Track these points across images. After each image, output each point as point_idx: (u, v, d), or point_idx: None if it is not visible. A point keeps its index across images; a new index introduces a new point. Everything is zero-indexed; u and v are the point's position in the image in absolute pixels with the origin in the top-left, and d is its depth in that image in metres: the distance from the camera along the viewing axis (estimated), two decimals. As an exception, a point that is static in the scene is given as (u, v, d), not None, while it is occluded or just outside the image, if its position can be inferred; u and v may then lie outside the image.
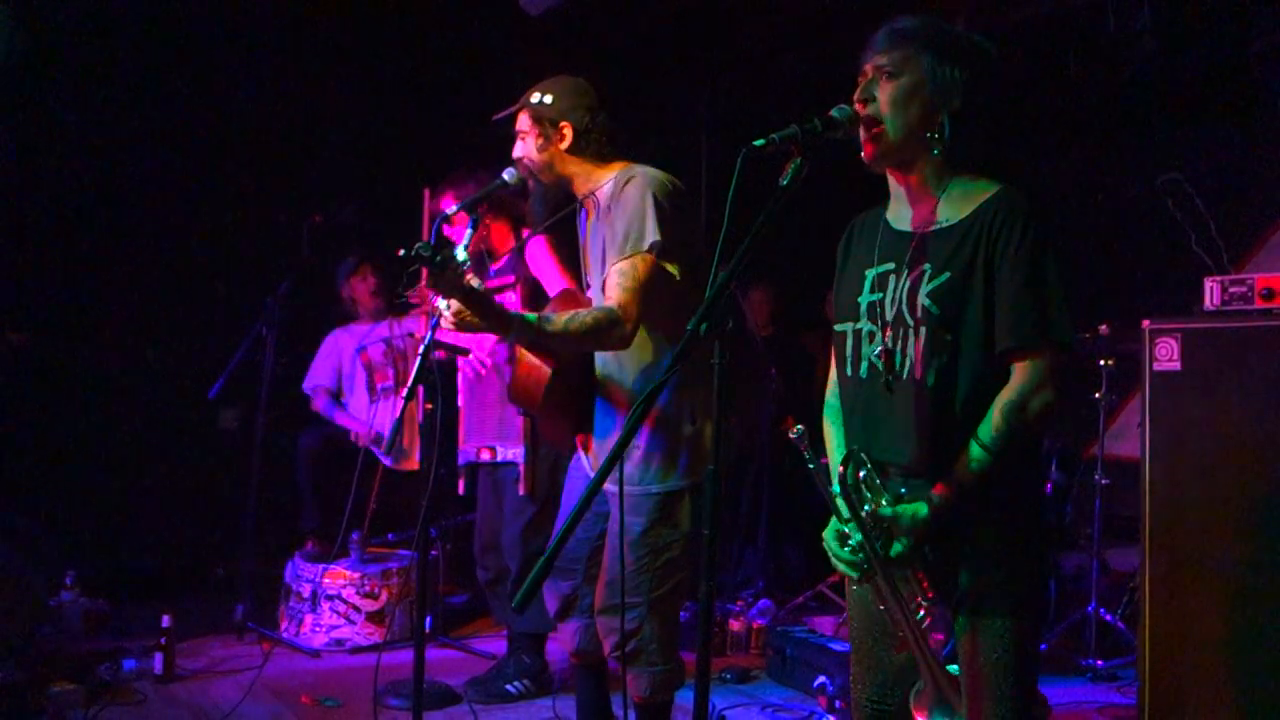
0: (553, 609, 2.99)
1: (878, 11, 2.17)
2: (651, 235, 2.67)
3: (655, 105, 6.31)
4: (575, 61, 5.74)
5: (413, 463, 4.85)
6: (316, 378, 5.33)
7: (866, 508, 1.95)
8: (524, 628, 4.01)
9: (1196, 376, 3.15)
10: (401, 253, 2.46)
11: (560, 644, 3.04)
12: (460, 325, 2.62)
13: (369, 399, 5.19)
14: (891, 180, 2.12)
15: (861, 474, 1.97)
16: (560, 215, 3.00)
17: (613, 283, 2.69)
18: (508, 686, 3.97)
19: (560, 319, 2.66)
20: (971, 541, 1.98)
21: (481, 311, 2.59)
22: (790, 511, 5.73)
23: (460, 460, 4.25)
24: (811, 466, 2.00)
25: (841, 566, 2.02)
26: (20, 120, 5.06)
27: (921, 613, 1.95)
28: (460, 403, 4.27)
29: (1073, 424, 5.02)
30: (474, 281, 2.59)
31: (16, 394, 5.15)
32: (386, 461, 4.86)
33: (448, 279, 2.50)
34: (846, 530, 1.98)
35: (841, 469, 1.97)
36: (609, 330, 2.65)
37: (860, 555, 1.96)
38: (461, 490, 4.32)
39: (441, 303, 2.59)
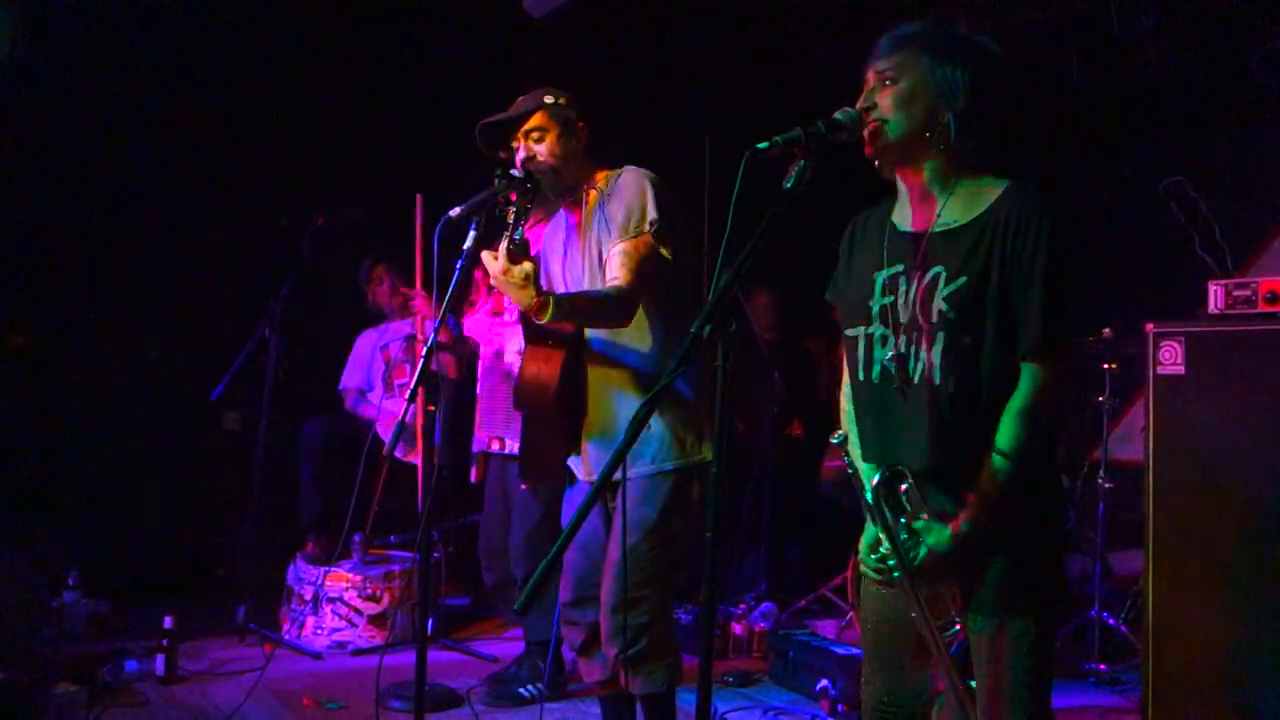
0: (577, 641, 2.95)
1: (880, 14, 2.17)
2: (651, 214, 2.78)
3: (659, 107, 6.31)
4: (579, 64, 5.78)
5: (419, 453, 4.85)
6: (347, 379, 5.48)
7: (903, 519, 1.95)
8: (539, 637, 3.99)
9: (1200, 380, 3.15)
10: (498, 177, 2.67)
11: (587, 675, 3.00)
12: (508, 286, 2.58)
13: (384, 392, 5.26)
14: (899, 180, 2.11)
15: (903, 486, 1.96)
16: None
17: (617, 263, 2.76)
18: (520, 690, 3.97)
19: (583, 293, 2.79)
20: (993, 544, 1.97)
21: (531, 285, 2.59)
22: (792, 514, 5.72)
23: (475, 448, 4.29)
24: (851, 472, 2.02)
25: (865, 572, 2.03)
26: (20, 120, 5.06)
27: (957, 627, 1.94)
28: (478, 391, 4.29)
29: (1076, 428, 5.01)
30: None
31: (18, 395, 5.15)
32: (398, 452, 4.88)
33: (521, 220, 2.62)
34: (881, 536, 1.98)
35: (875, 482, 1.97)
36: (617, 305, 2.74)
37: (888, 564, 1.96)
38: (474, 478, 4.34)
39: (499, 266, 2.56)
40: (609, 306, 2.75)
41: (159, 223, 5.54)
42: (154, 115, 5.41)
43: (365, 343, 5.48)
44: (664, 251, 2.79)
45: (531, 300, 2.59)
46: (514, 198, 2.73)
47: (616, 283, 2.74)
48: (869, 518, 2.02)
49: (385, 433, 5.01)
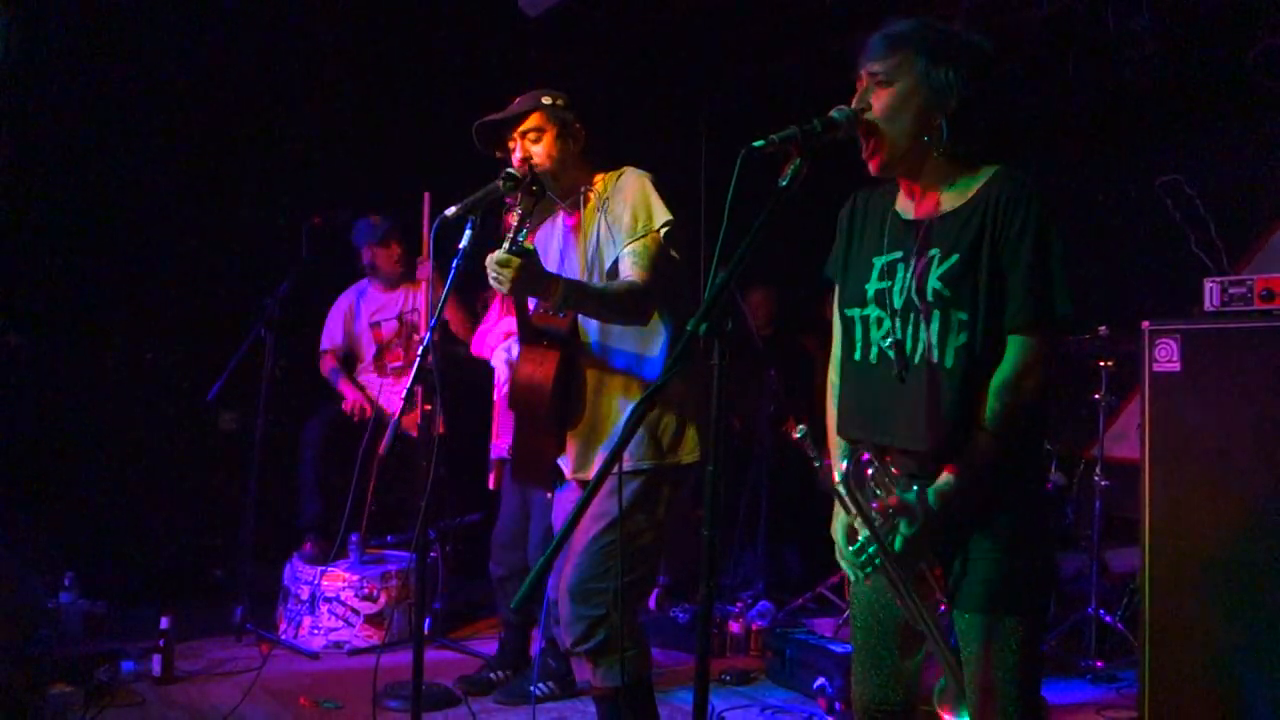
0: (566, 643, 2.93)
1: (877, 12, 2.17)
2: (661, 216, 2.79)
3: (654, 106, 6.32)
4: (574, 62, 5.78)
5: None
6: (327, 339, 5.36)
7: (875, 503, 1.95)
8: (550, 632, 3.99)
9: (1196, 377, 3.16)
10: (503, 179, 2.64)
11: (580, 674, 3.00)
12: (516, 280, 2.57)
13: (377, 375, 5.23)
14: (897, 178, 2.12)
15: (870, 471, 1.96)
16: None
17: (629, 262, 2.76)
18: (532, 688, 3.98)
19: (598, 285, 2.75)
20: (979, 540, 1.98)
21: (536, 269, 2.60)
22: (789, 513, 5.72)
23: (493, 455, 4.30)
24: (817, 465, 2.01)
25: (845, 565, 2.03)
26: (19, 120, 5.05)
27: (943, 608, 1.95)
28: (496, 398, 4.29)
29: (1072, 425, 5.02)
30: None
31: (14, 395, 5.14)
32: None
33: (528, 213, 2.61)
34: (855, 525, 1.98)
35: (844, 466, 1.97)
36: (637, 302, 2.73)
37: (868, 551, 1.95)
38: (492, 484, 4.36)
39: (495, 258, 2.56)
40: (624, 301, 2.73)
41: (156, 222, 5.53)
42: (152, 115, 5.40)
43: (345, 304, 5.36)
44: (674, 252, 2.81)
45: (542, 283, 2.59)
46: (518, 199, 2.72)
47: (630, 279, 2.74)
48: (840, 507, 2.01)
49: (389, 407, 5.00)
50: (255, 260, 5.48)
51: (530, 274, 2.57)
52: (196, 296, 5.66)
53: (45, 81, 5.06)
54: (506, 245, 2.55)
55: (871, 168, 2.04)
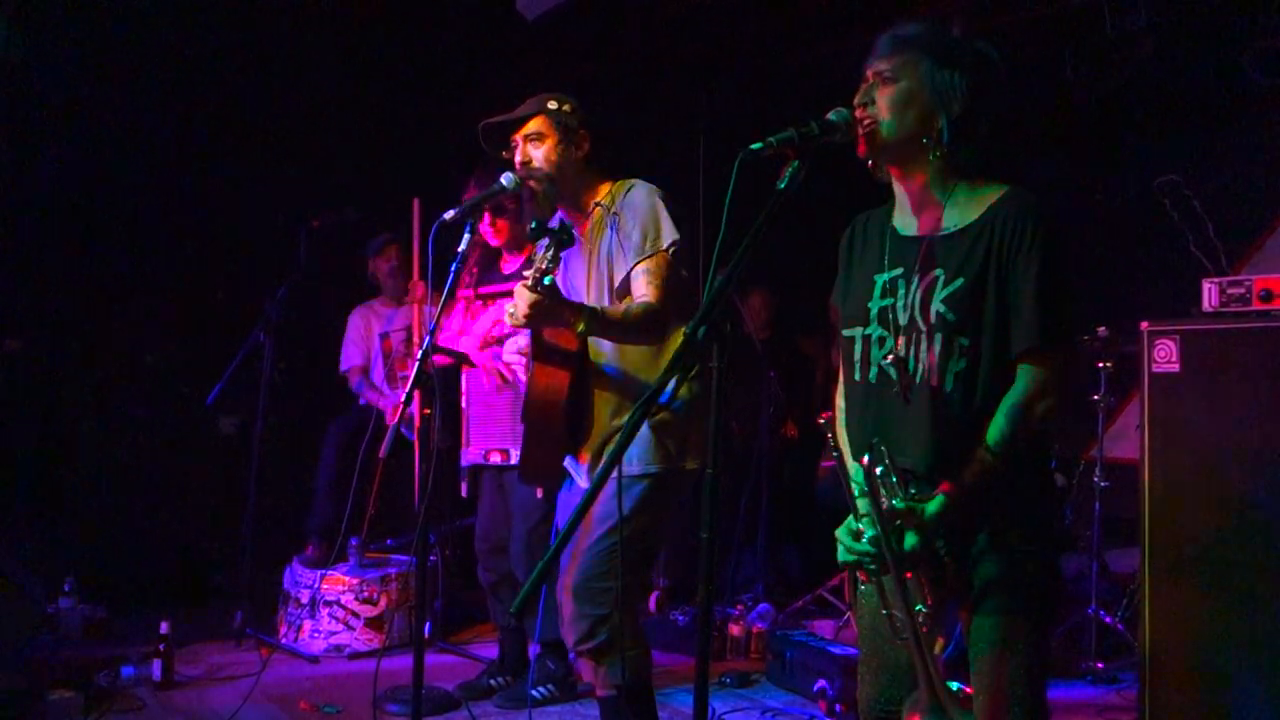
0: (569, 640, 2.93)
1: (875, 14, 2.17)
2: (670, 235, 2.80)
3: (652, 109, 6.31)
4: (572, 65, 5.78)
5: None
6: (349, 359, 5.39)
7: (883, 503, 1.95)
8: (548, 636, 3.99)
9: (1195, 378, 3.16)
10: (533, 225, 2.61)
11: (586, 675, 3.01)
12: (533, 316, 2.61)
13: (388, 385, 5.25)
14: (895, 184, 2.12)
15: (879, 470, 1.96)
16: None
17: (642, 281, 2.77)
18: (532, 691, 3.97)
19: (617, 310, 2.76)
20: (991, 546, 1.97)
21: (560, 301, 2.64)
22: (789, 515, 5.72)
23: (464, 463, 4.26)
24: (836, 454, 2.02)
25: (851, 561, 2.02)
26: (17, 121, 5.06)
27: (921, 616, 1.95)
28: (464, 405, 4.26)
29: (1072, 426, 5.01)
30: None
31: (13, 400, 5.14)
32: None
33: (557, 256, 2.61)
34: (861, 526, 1.97)
35: (864, 461, 1.96)
36: (652, 324, 2.75)
37: (874, 550, 1.95)
38: (465, 493, 4.33)
39: (519, 297, 2.58)
40: (642, 324, 2.75)
41: (154, 225, 5.53)
42: (150, 117, 5.40)
43: (358, 321, 5.42)
44: (683, 271, 2.83)
45: (562, 316, 2.62)
46: (545, 243, 2.70)
47: (646, 300, 2.75)
48: (859, 503, 2.00)
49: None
50: (254, 263, 5.48)
51: (550, 309, 2.60)
52: (196, 300, 5.66)
53: (45, 81, 5.06)
54: (530, 283, 2.56)
55: (859, 150, 2.02)
